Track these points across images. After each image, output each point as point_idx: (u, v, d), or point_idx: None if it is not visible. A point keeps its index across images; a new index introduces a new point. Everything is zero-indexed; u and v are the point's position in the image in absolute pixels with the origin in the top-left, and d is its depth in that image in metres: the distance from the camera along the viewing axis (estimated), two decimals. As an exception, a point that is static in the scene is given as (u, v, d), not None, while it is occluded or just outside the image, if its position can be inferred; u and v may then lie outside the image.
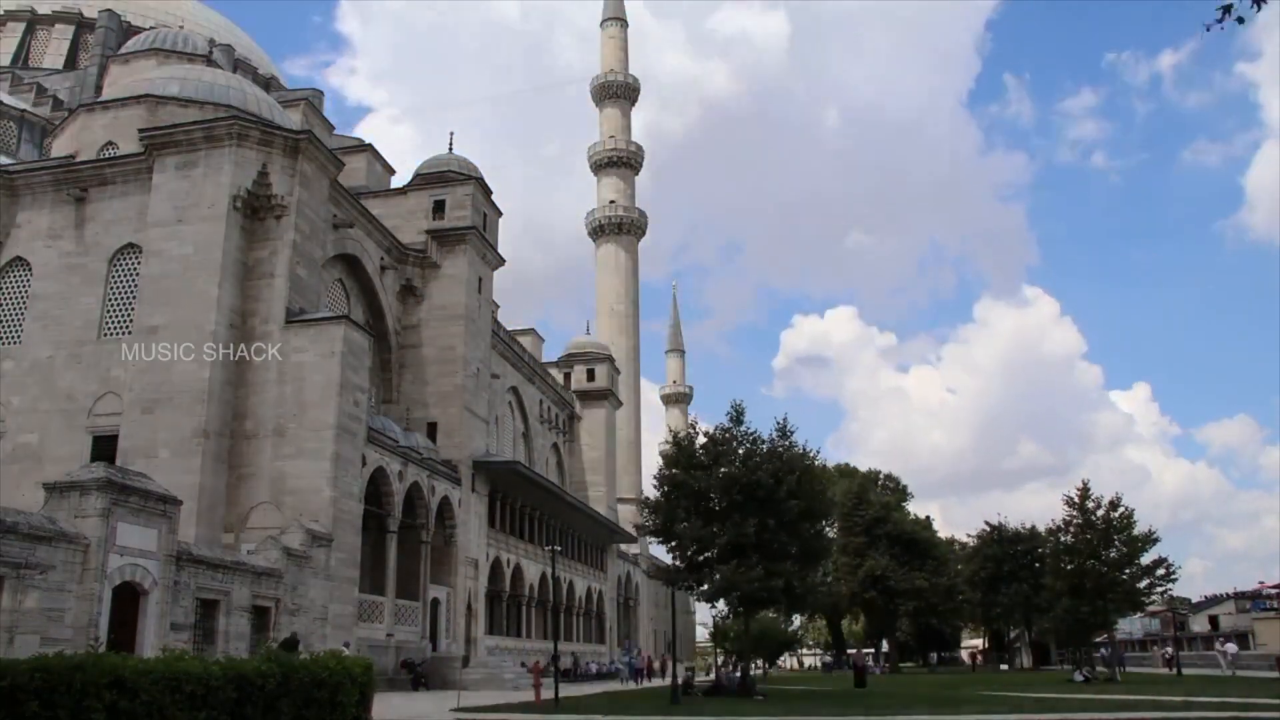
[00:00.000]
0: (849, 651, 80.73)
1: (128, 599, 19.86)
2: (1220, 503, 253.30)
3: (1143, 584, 41.78)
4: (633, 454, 80.00)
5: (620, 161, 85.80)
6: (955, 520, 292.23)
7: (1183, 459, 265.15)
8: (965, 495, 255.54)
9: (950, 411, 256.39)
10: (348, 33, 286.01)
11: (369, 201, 43.24)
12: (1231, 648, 52.35)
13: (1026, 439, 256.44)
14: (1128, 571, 40.69)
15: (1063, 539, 43.23)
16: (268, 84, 54.35)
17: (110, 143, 35.80)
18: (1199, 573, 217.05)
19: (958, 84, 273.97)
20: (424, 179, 46.05)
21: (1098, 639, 52.80)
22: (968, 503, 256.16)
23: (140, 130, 33.65)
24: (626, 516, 72.09)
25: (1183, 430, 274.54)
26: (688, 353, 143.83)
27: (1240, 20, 7.81)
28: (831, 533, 56.87)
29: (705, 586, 34.06)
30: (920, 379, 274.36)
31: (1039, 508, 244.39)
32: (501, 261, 47.78)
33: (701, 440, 34.82)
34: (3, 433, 32.64)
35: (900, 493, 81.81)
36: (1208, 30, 7.98)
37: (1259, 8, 7.70)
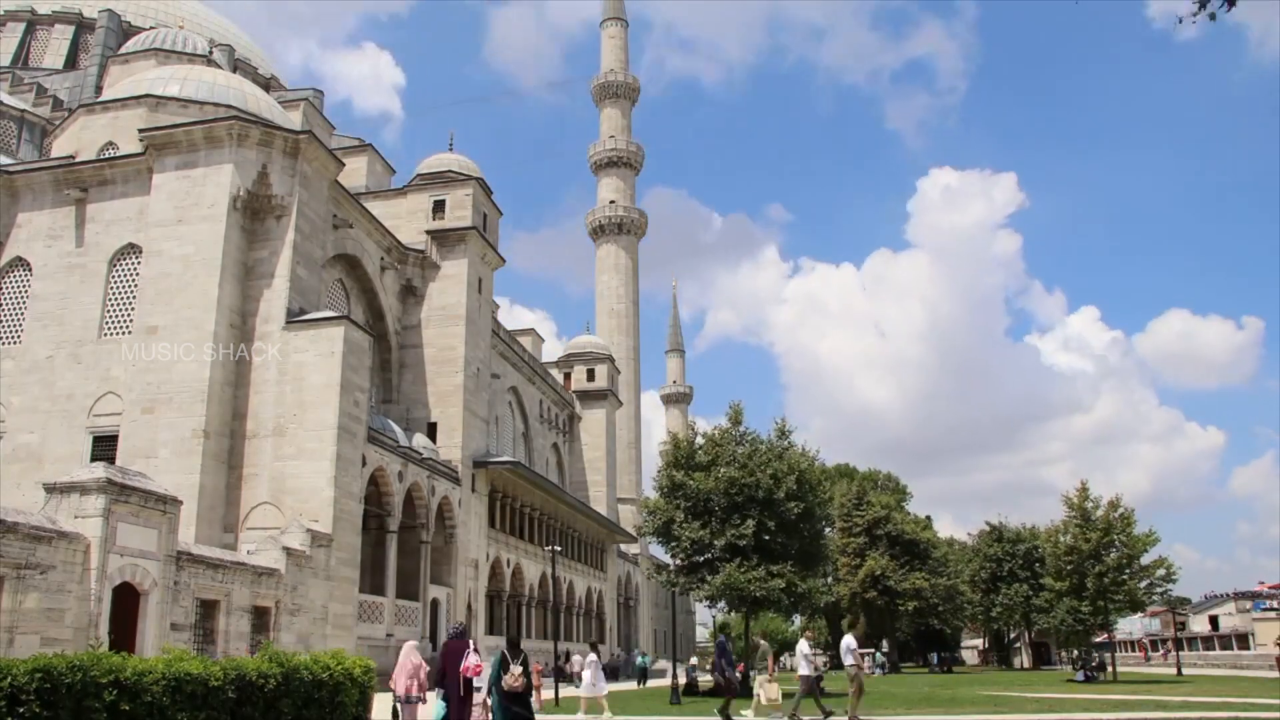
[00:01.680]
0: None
1: (128, 599, 19.84)
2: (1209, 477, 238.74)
3: (1143, 584, 41.78)
4: (633, 454, 79.98)
5: (620, 161, 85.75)
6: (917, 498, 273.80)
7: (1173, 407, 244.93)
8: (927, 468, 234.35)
9: (885, 360, 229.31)
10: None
11: (369, 201, 43.30)
12: None
13: (973, 399, 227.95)
14: (1128, 572, 40.69)
15: (1063, 539, 43.21)
16: (268, 84, 54.38)
17: (110, 143, 35.83)
18: (1192, 560, 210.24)
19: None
20: (424, 179, 46.07)
21: (1098, 639, 52.72)
22: (929, 476, 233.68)
23: (140, 130, 33.67)
24: (626, 516, 72.15)
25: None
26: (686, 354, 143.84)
27: (1212, 17, 7.80)
28: (831, 534, 56.85)
29: (706, 587, 34.08)
30: (842, 316, 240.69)
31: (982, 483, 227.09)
32: (502, 261, 47.78)
33: (700, 442, 34.93)
34: (3, 433, 32.66)
35: (900, 493, 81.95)
36: (1180, 22, 8.01)
37: (1229, 6, 7.71)
